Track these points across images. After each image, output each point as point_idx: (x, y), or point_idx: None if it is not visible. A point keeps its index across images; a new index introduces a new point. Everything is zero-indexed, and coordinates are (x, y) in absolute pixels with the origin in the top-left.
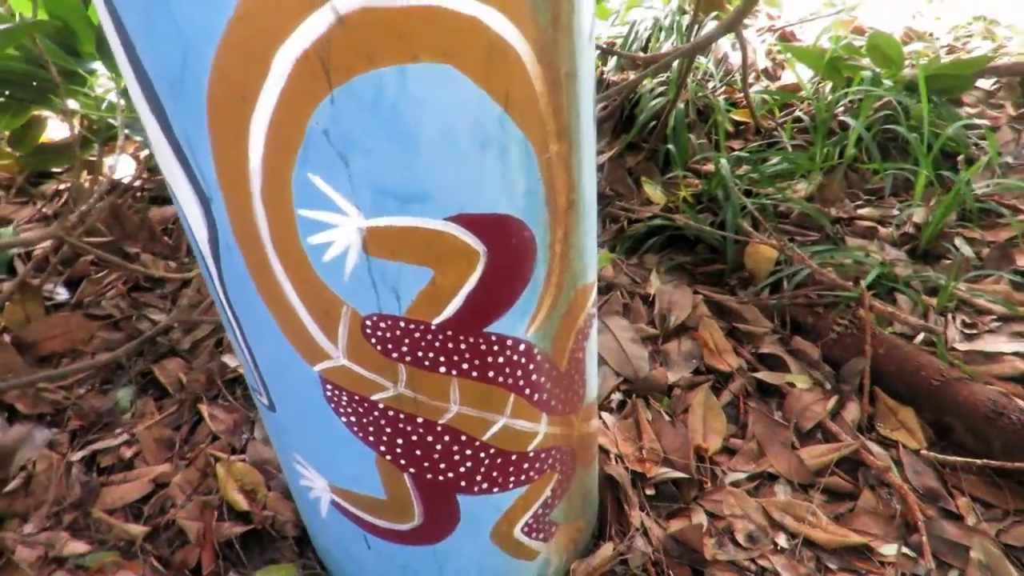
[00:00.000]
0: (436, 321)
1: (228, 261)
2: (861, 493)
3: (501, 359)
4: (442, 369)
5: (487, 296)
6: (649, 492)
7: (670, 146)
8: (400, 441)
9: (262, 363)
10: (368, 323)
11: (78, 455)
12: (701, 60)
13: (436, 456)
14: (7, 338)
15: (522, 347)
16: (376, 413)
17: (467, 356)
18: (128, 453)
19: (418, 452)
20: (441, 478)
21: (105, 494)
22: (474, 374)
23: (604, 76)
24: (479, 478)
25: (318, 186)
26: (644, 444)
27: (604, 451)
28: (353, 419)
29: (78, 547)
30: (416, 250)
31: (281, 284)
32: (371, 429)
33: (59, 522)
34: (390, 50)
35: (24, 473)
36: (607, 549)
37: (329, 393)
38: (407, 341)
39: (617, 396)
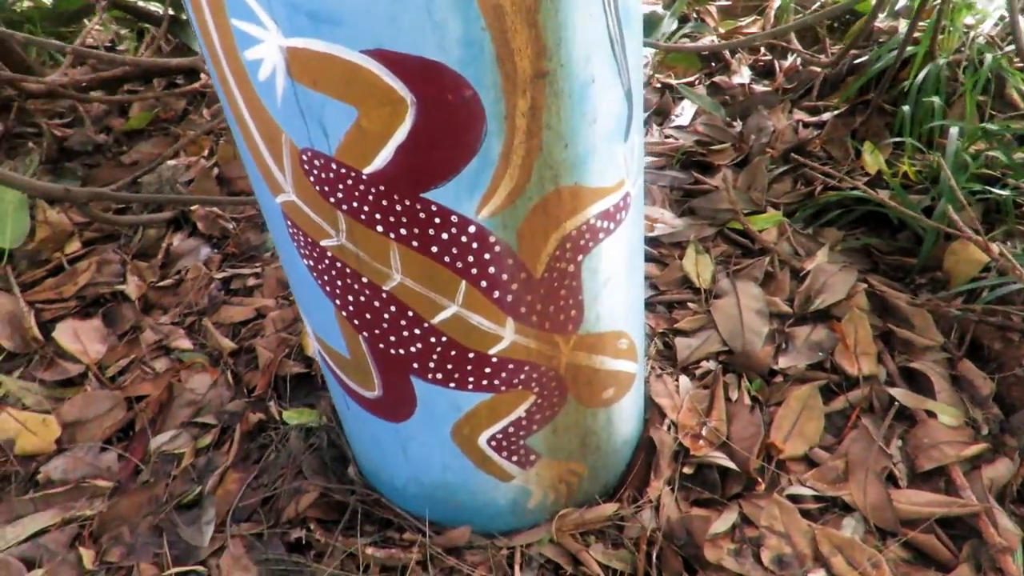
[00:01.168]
0: (367, 170)
1: (215, 81)
2: (957, 567)
3: (445, 235)
4: (379, 228)
5: (421, 155)
6: (687, 470)
7: (905, 107)
8: (351, 299)
9: (253, 190)
10: (304, 158)
11: (220, 275)
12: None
13: (385, 325)
14: (216, 171)
15: (471, 229)
16: (327, 261)
17: (404, 220)
18: (252, 283)
19: (368, 316)
20: (392, 352)
21: (222, 311)
22: (414, 243)
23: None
24: (432, 365)
25: None
26: (709, 421)
27: (661, 413)
28: (310, 263)
29: (183, 343)
30: (336, 83)
31: (239, 103)
32: (325, 278)
33: (183, 322)
34: None
35: (178, 276)
36: (607, 508)
37: (291, 231)
38: (341, 187)
39: (709, 364)
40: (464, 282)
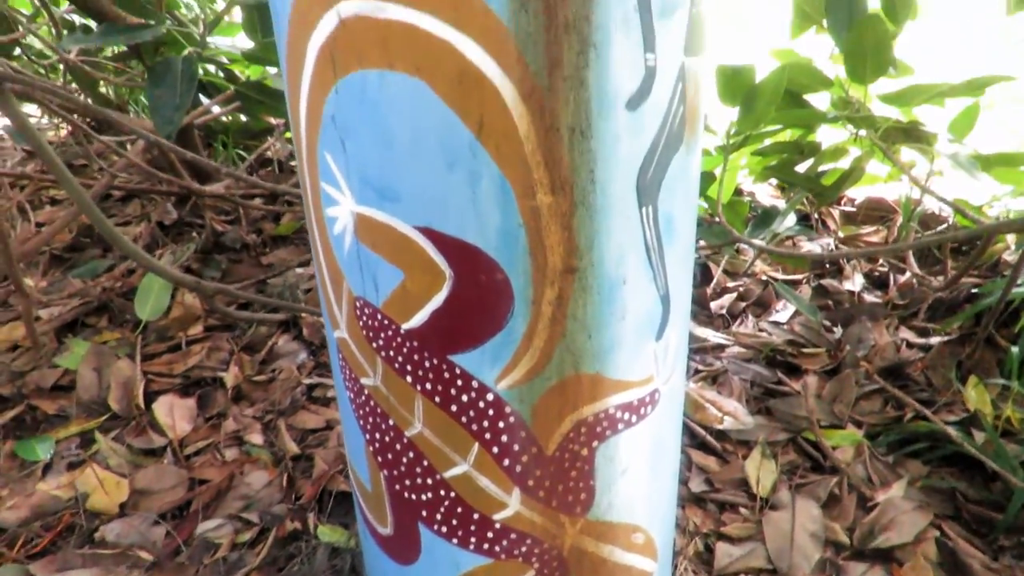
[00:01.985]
0: (405, 326)
1: (310, 223)
2: None
3: (464, 397)
4: (408, 379)
5: (452, 322)
6: None
7: (1014, 348)
8: (378, 436)
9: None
10: (357, 304)
11: (307, 380)
12: None
13: (403, 468)
14: None
15: (489, 396)
16: (363, 397)
17: (430, 376)
18: (331, 395)
19: (389, 456)
20: (406, 495)
21: (299, 414)
22: (436, 399)
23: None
24: (439, 516)
25: (330, 164)
26: None
27: None
28: (351, 395)
29: (256, 438)
30: (390, 248)
31: (318, 246)
32: (361, 412)
33: (262, 418)
34: (374, 55)
35: (272, 374)
36: None
37: (340, 363)
38: (382, 335)
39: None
40: (477, 444)
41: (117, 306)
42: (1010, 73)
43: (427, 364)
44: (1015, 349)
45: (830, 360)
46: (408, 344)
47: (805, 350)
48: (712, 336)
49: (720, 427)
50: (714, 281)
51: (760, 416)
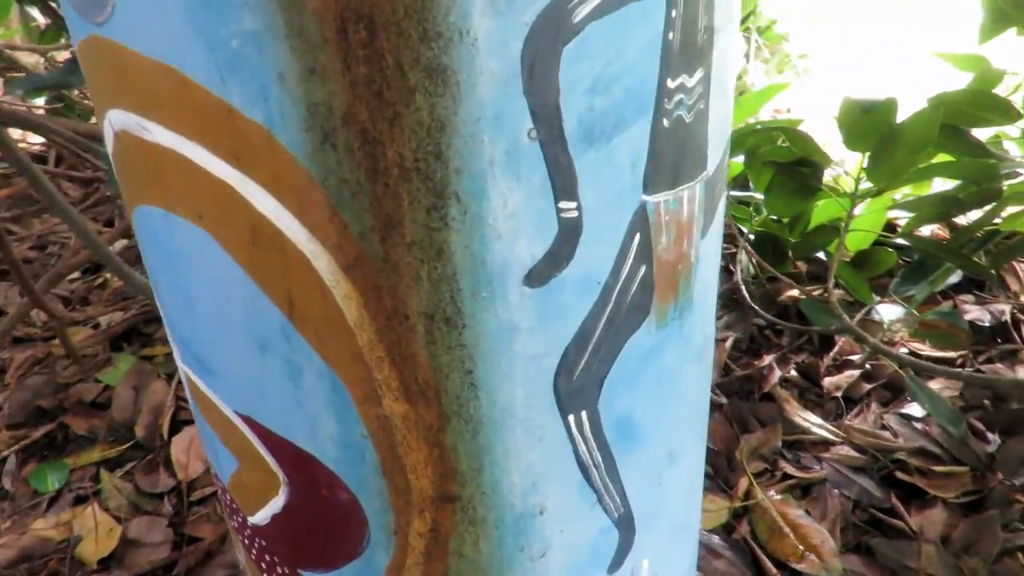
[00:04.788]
0: (251, 520)
1: None
2: None
3: None
4: (263, 575)
5: (297, 535)
6: None
7: None
8: None
9: None
10: (212, 471)
11: None
12: None
13: None
14: None
15: None
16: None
17: None
18: None
19: None
20: None
21: None
22: None
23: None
24: None
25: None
26: None
27: None
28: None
29: None
30: (220, 429)
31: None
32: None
33: None
34: (153, 189)
35: None
36: None
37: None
38: (235, 519)
39: None
40: None
41: None
42: None
43: (278, 571)
44: None
45: (973, 486)
46: (258, 541)
47: (938, 468)
48: (816, 426)
49: (797, 567)
50: (835, 349)
51: (856, 557)
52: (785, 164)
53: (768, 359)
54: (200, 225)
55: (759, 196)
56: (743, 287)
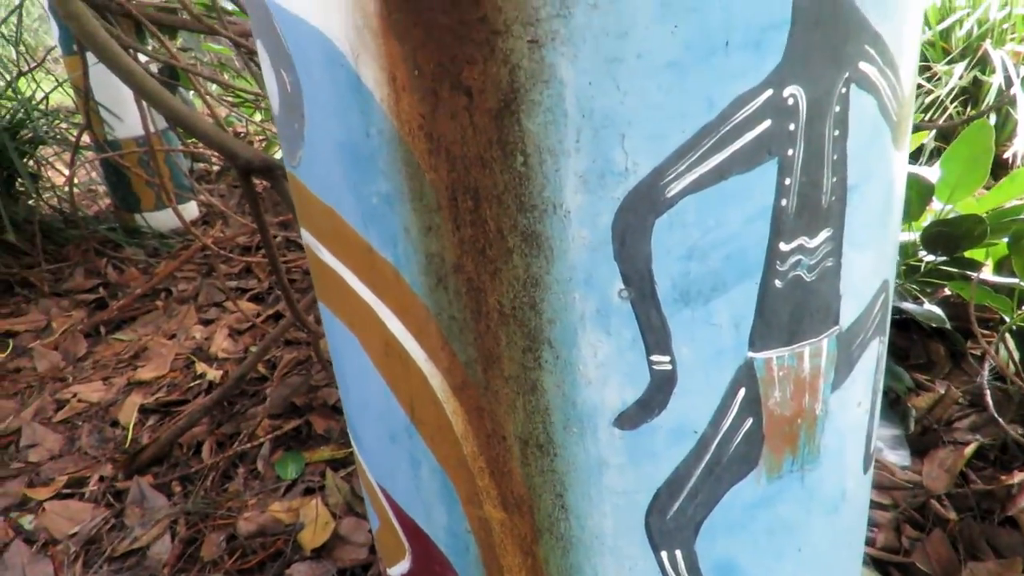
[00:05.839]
0: (389, 571)
1: None
2: None
3: None
4: None
5: None
6: None
7: None
8: None
9: None
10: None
11: None
12: None
13: None
14: None
15: None
16: None
17: None
18: None
19: None
20: None
21: None
22: None
23: None
24: None
25: None
26: None
27: None
28: None
29: None
30: (367, 491)
31: None
32: None
33: None
34: (324, 294)
35: None
36: None
37: None
38: (379, 563)
39: None
40: None
41: None
42: None
43: None
44: None
45: None
46: None
47: None
48: None
49: None
50: None
51: None
52: None
53: (1020, 476)
54: (352, 331)
55: (1016, 284)
56: (987, 389)
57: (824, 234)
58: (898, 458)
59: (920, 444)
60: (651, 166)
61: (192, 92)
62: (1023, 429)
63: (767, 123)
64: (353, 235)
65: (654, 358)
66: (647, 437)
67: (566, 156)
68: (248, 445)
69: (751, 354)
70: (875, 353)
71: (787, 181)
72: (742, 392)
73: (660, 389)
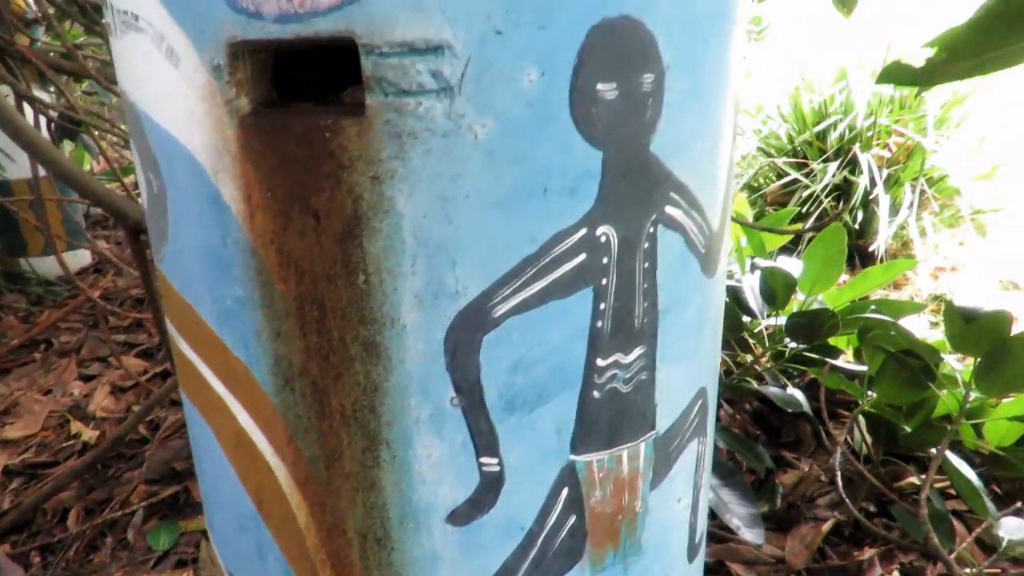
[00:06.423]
0: None
1: None
2: None
3: None
4: None
5: None
6: None
7: None
8: None
9: None
10: None
11: None
12: None
13: None
14: None
15: None
16: None
17: None
18: None
19: None
20: None
21: None
22: None
23: None
24: None
25: None
26: None
27: None
28: None
29: None
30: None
31: None
32: None
33: None
34: (183, 381)
35: None
36: None
37: None
38: None
39: None
40: None
41: None
42: None
43: None
44: None
45: None
46: None
47: None
48: None
49: None
50: (953, 555)
51: None
52: (894, 353)
53: (870, 552)
54: (206, 421)
55: (866, 371)
56: (838, 470)
57: (638, 351)
58: (753, 536)
59: (785, 520)
60: (479, 289)
61: (96, 134)
62: (875, 507)
63: (583, 256)
64: (209, 332)
65: (483, 460)
66: (477, 533)
67: (403, 277)
68: (120, 512)
69: (573, 457)
70: (695, 454)
71: (602, 306)
72: (565, 491)
73: (489, 489)
